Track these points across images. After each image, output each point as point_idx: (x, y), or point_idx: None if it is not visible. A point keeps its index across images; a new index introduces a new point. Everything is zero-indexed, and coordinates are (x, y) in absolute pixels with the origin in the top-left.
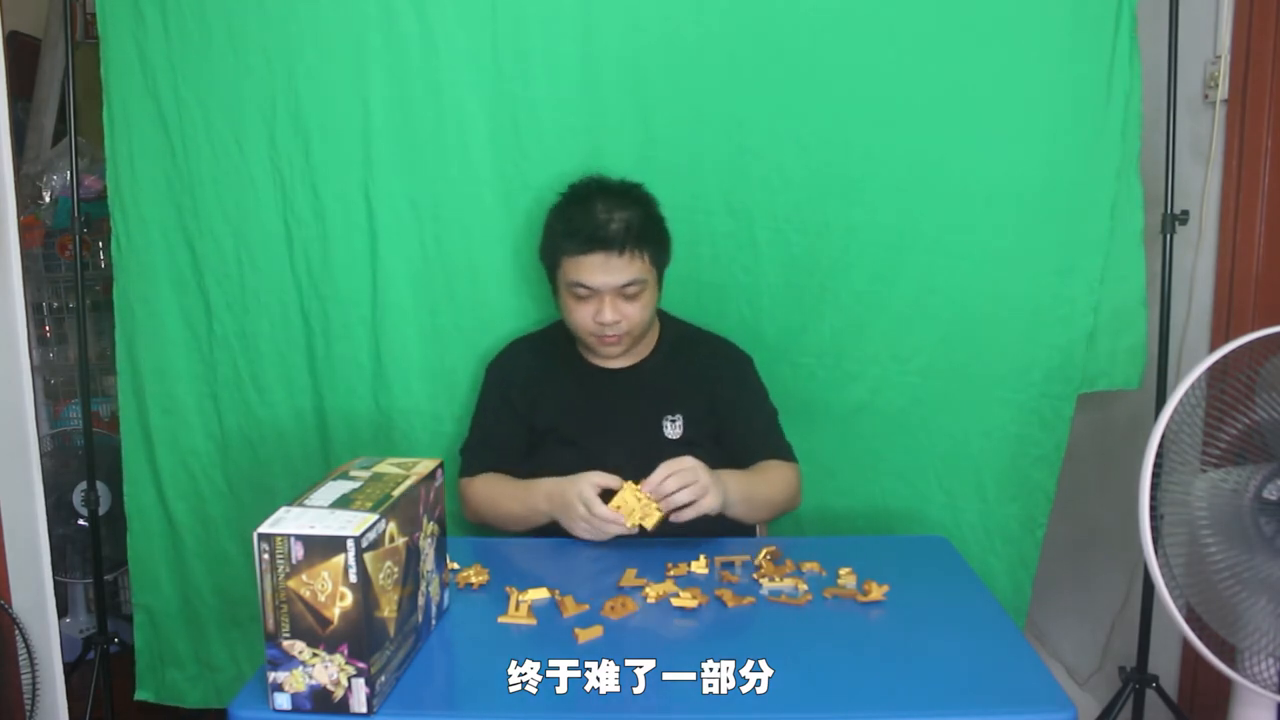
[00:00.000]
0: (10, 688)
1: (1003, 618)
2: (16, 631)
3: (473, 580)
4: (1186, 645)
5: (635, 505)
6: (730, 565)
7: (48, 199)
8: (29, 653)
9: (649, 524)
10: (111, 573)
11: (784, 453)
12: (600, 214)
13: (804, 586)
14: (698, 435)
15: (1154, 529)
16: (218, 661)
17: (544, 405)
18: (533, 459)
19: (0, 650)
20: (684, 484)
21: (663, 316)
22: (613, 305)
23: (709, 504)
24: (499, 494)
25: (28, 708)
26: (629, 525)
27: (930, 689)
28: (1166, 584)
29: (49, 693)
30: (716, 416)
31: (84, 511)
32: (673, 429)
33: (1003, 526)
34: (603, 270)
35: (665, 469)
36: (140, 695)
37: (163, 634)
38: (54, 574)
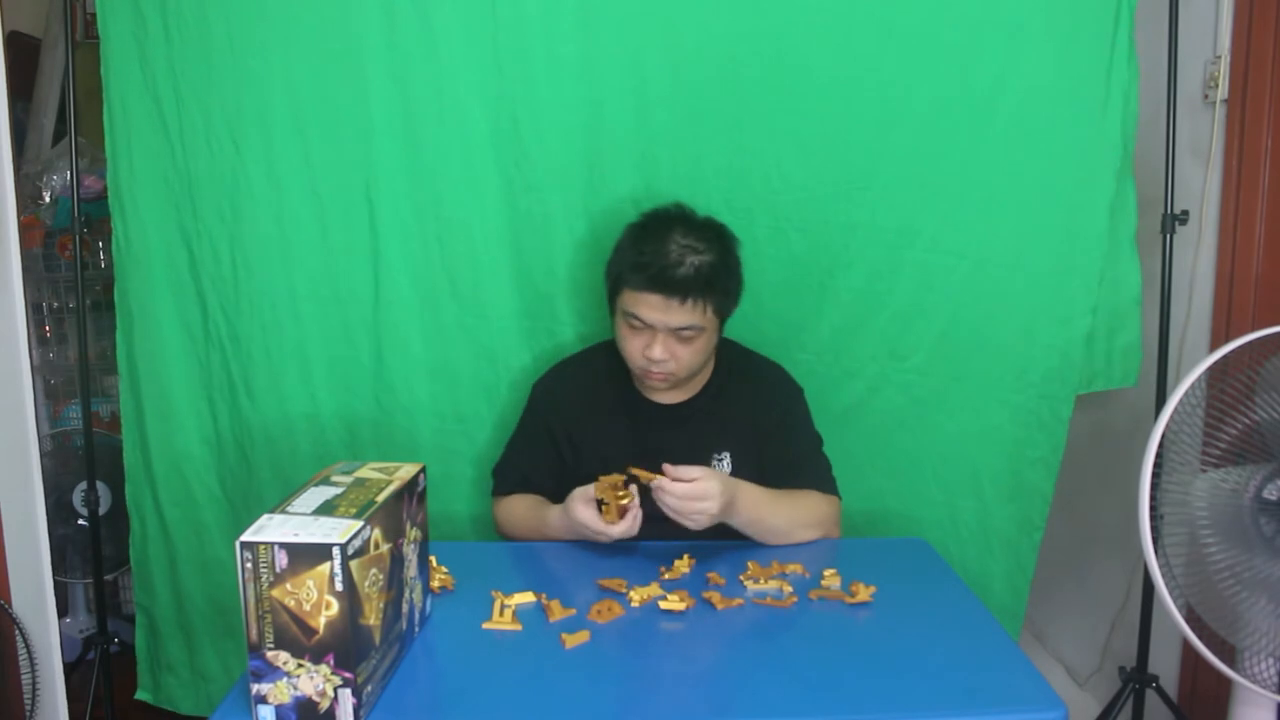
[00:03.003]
0: (10, 688)
1: (989, 619)
2: (16, 631)
3: (433, 585)
4: (1186, 645)
5: (612, 500)
6: (714, 566)
7: (48, 199)
8: (29, 653)
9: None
10: (111, 573)
11: (820, 484)
12: (672, 254)
13: (789, 589)
14: (746, 472)
15: (1154, 529)
16: (210, 671)
17: (589, 438)
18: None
19: (0, 650)
20: (691, 508)
21: (721, 346)
22: (664, 344)
23: (697, 524)
24: (521, 518)
25: (28, 708)
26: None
27: (921, 690)
28: (1166, 584)
29: (49, 693)
30: (758, 449)
31: (84, 511)
32: (720, 468)
33: (1000, 528)
34: (660, 310)
35: (685, 486)
36: (140, 695)
37: (159, 638)
38: (54, 574)
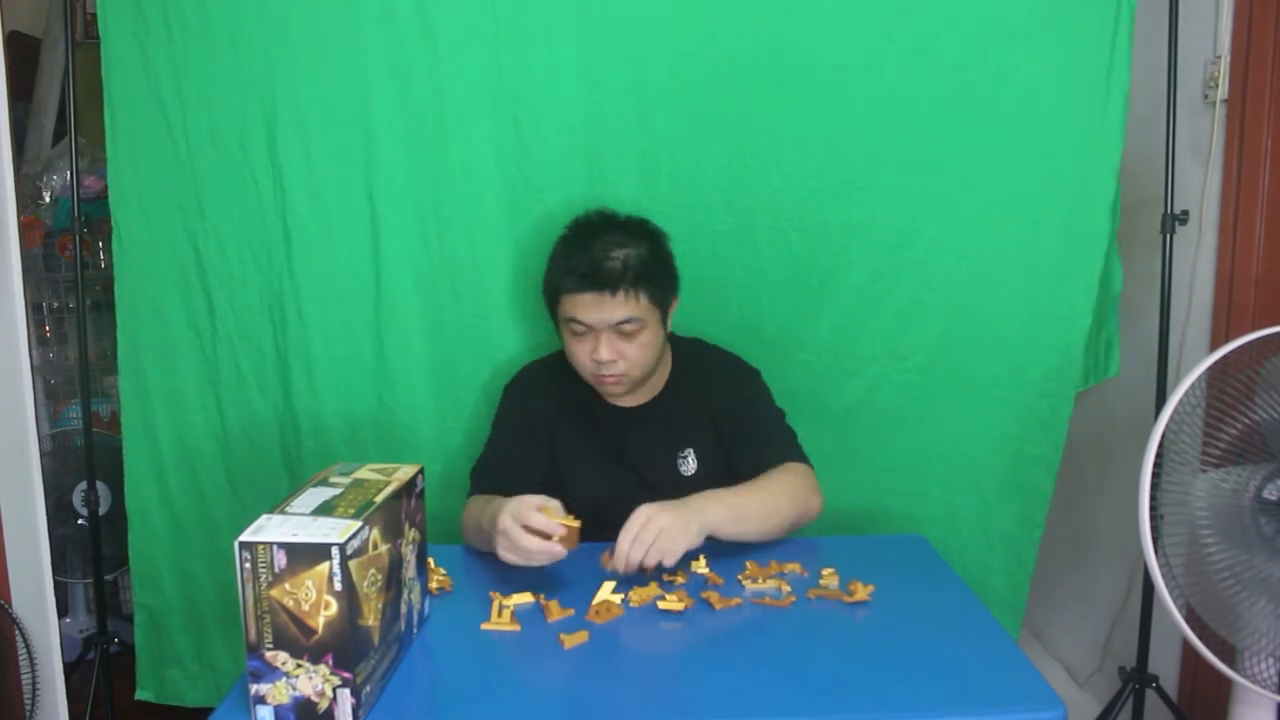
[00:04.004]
0: (10, 688)
1: (989, 618)
2: (16, 631)
3: (431, 587)
4: (1186, 645)
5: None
6: (712, 566)
7: (48, 199)
8: (29, 653)
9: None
10: (111, 573)
11: (788, 454)
12: (598, 251)
13: (787, 588)
14: (712, 467)
15: (1154, 529)
16: (218, 660)
17: (560, 442)
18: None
19: (0, 650)
20: (647, 547)
21: (676, 344)
22: (609, 343)
23: (680, 550)
24: (476, 513)
25: (28, 708)
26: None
27: (920, 689)
28: (1166, 584)
29: (49, 693)
30: (722, 439)
31: (84, 511)
32: (686, 465)
33: (1000, 525)
34: (596, 308)
35: (625, 539)
36: (140, 695)
37: (163, 632)
38: (54, 574)
